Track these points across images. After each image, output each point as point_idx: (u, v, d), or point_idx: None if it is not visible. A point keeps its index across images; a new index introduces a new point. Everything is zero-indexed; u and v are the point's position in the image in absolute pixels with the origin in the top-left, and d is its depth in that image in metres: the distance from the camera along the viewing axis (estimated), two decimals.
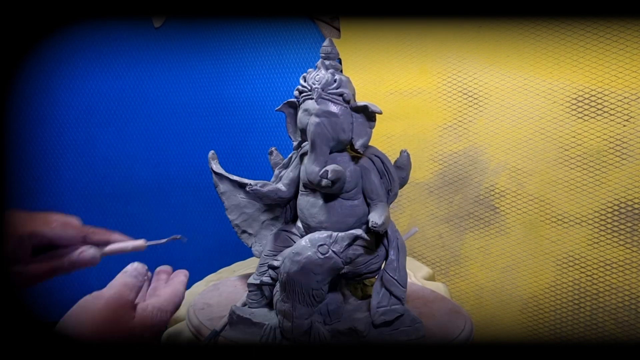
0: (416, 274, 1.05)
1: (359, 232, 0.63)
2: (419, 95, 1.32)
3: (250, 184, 0.70)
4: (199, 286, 1.07)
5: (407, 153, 0.73)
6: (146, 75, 1.55)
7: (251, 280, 0.73)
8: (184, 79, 1.55)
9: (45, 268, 0.66)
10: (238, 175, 0.79)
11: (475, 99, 1.26)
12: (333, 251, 0.62)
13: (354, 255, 0.63)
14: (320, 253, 0.62)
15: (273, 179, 0.75)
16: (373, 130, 0.67)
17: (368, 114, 0.66)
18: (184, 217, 1.59)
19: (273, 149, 0.78)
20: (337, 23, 1.39)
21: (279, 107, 0.71)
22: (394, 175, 0.70)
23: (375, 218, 0.63)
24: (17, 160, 1.53)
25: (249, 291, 0.73)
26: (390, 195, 0.70)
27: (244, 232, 0.79)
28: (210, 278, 1.15)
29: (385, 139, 1.36)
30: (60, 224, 0.71)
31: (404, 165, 0.73)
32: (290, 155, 0.74)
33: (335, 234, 0.63)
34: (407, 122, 1.33)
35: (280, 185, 0.72)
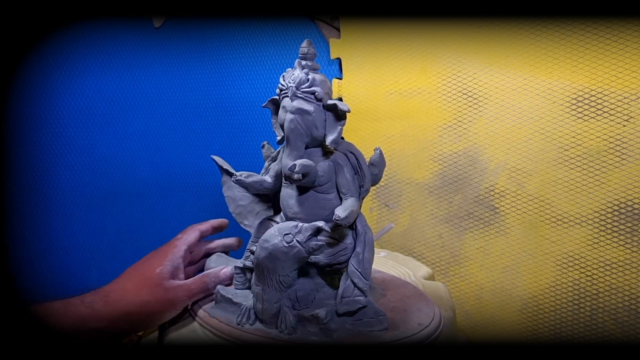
0: (416, 273, 1.04)
1: (321, 224, 0.67)
2: (419, 95, 1.32)
3: (236, 174, 0.75)
4: None
5: (380, 150, 0.77)
6: (146, 76, 1.55)
7: (237, 263, 0.79)
8: (184, 79, 1.55)
9: (199, 283, 0.78)
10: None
11: (475, 99, 1.26)
12: (297, 241, 0.66)
13: (316, 245, 0.67)
14: (286, 242, 0.66)
15: (263, 170, 0.80)
16: (344, 127, 0.71)
17: (337, 113, 0.69)
18: (184, 217, 1.59)
19: (265, 142, 0.82)
20: (337, 23, 1.39)
21: (265, 103, 0.76)
22: (366, 172, 0.73)
23: (340, 212, 0.67)
24: (16, 160, 1.53)
25: (236, 273, 0.79)
26: (362, 191, 0.74)
27: (241, 222, 0.84)
28: None
29: (385, 139, 1.36)
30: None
31: (376, 162, 0.77)
32: (278, 149, 0.78)
33: (300, 224, 0.67)
34: (407, 122, 1.33)
35: (267, 177, 0.77)
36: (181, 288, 0.75)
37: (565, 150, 1.18)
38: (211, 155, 0.83)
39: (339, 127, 0.70)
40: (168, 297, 0.73)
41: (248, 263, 0.77)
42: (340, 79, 1.41)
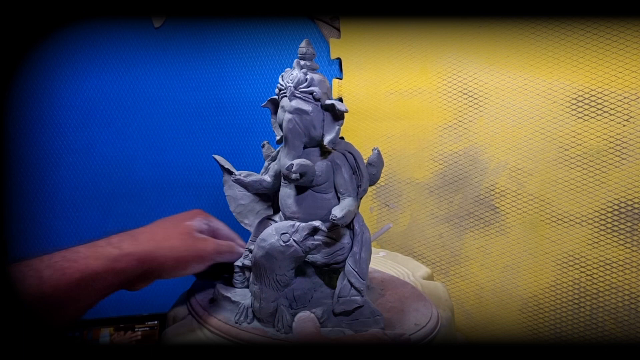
0: (415, 273, 1.04)
1: (318, 223, 0.67)
2: (419, 95, 1.32)
3: (235, 174, 0.76)
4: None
5: (378, 150, 0.77)
6: (146, 75, 1.55)
7: (237, 262, 0.79)
8: (184, 79, 1.55)
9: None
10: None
11: (475, 99, 1.26)
12: (294, 240, 0.66)
13: (313, 245, 0.67)
14: (282, 241, 0.66)
15: (262, 170, 0.80)
16: (342, 127, 0.71)
17: (335, 113, 0.69)
18: None
19: (265, 142, 0.82)
20: (337, 23, 1.39)
21: (264, 103, 0.76)
22: (364, 172, 0.73)
23: (336, 211, 0.67)
24: (17, 160, 1.53)
25: (235, 272, 0.79)
26: (359, 191, 0.73)
27: (242, 221, 0.84)
28: None
29: (385, 139, 1.36)
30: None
31: (374, 162, 0.77)
32: (278, 149, 0.78)
33: (297, 224, 0.67)
34: (407, 122, 1.33)
35: (266, 177, 0.77)
36: (211, 241, 0.75)
37: (565, 150, 1.18)
38: (213, 155, 0.83)
39: (337, 127, 0.70)
40: (197, 246, 0.73)
41: (247, 262, 0.77)
42: (340, 79, 1.41)
